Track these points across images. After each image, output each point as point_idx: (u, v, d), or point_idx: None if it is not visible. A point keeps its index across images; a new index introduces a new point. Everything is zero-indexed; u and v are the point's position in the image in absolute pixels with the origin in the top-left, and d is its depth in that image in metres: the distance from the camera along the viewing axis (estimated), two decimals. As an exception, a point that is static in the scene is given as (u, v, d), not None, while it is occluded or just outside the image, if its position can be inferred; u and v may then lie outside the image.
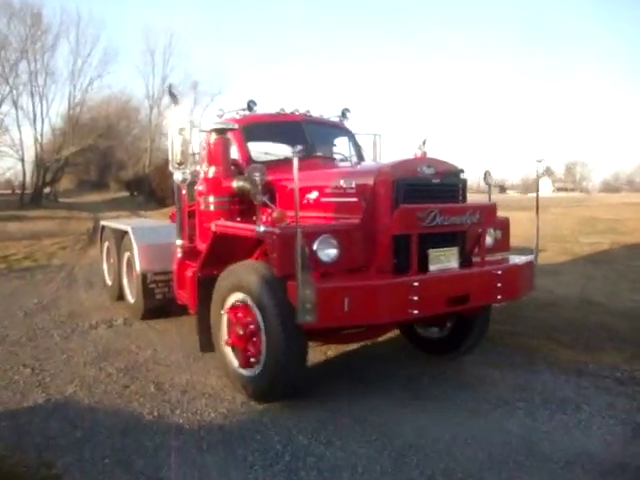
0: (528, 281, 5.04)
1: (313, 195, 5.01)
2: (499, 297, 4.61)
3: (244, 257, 4.79)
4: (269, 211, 4.75)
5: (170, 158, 5.61)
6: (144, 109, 44.91)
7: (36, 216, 26.04)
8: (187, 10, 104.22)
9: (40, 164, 37.13)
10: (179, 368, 5.57)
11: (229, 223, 5.17)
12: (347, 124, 7.10)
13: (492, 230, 5.17)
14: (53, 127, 39.35)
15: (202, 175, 6.04)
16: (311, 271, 3.81)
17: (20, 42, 35.11)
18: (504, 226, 5.48)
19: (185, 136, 5.55)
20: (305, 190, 4.99)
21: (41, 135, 37.41)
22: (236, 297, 4.61)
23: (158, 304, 7.30)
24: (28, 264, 12.35)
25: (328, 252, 4.18)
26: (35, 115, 36.76)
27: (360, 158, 6.95)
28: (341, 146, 6.92)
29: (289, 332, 4.09)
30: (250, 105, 6.30)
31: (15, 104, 36.03)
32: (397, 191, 4.36)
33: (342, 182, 4.72)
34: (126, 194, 49.18)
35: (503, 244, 5.40)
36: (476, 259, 4.80)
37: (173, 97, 5.73)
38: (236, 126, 6.00)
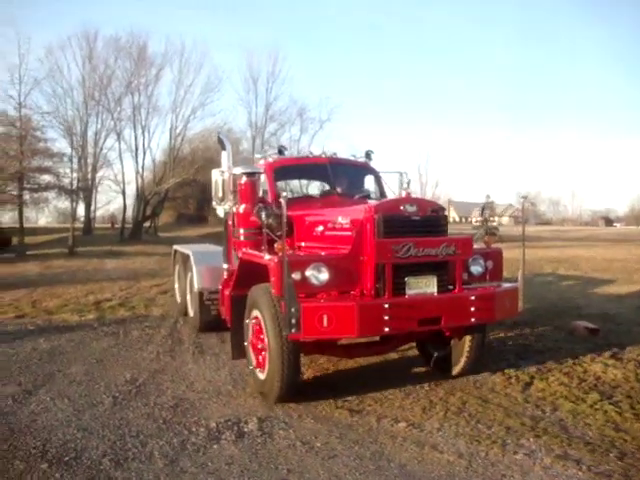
0: (509, 306, 5.56)
1: (320, 228, 5.90)
2: (473, 319, 5.15)
3: (264, 280, 5.17)
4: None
5: (213, 194, 6.89)
6: (246, 139, 43.57)
7: (135, 252, 24.63)
8: (293, 35, 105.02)
9: (141, 197, 36.50)
10: None
11: (251, 251, 6.01)
12: (373, 164, 7.73)
13: (482, 260, 5.77)
14: (154, 159, 38.82)
15: (234, 211, 6.82)
16: (296, 292, 4.54)
17: (125, 76, 35.02)
18: (496, 257, 5.96)
19: (225, 177, 6.73)
20: (315, 224, 6.00)
21: (142, 168, 36.96)
22: (255, 313, 5.43)
23: (212, 319, 8.00)
24: (123, 313, 10.04)
25: (318, 277, 4.87)
26: (137, 148, 36.37)
27: (382, 195, 7.43)
28: (368, 184, 7.61)
29: (284, 343, 4.89)
30: (280, 149, 7.55)
31: (119, 137, 35.86)
32: (379, 226, 4.98)
33: (340, 218, 5.58)
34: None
35: (495, 273, 5.90)
36: (473, 285, 5.55)
37: (221, 142, 7.08)
38: (261, 170, 6.92)
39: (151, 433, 4.63)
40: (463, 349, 5.86)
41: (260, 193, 6.85)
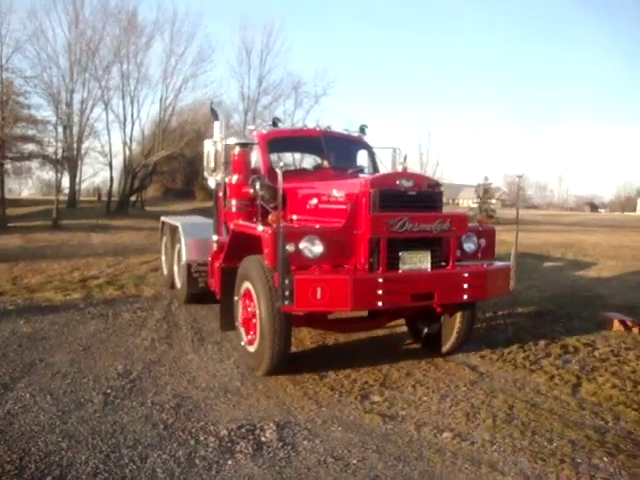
0: (501, 284, 5.54)
1: (313, 201, 5.81)
2: (465, 297, 5.15)
3: (257, 252, 5.09)
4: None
5: (205, 165, 6.66)
6: (238, 113, 42.00)
7: (122, 226, 23.57)
8: (291, 8, 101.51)
9: (129, 170, 35.20)
10: None
11: (244, 223, 5.90)
12: (367, 139, 7.59)
13: (475, 238, 5.72)
14: (143, 130, 37.28)
15: (227, 181, 6.69)
16: (289, 264, 4.51)
17: (114, 43, 33.40)
18: (489, 235, 5.94)
19: (217, 148, 6.53)
20: (309, 197, 5.91)
21: (130, 139, 35.49)
22: (246, 285, 5.36)
23: (200, 291, 7.92)
24: (112, 293, 9.17)
25: (312, 249, 4.79)
26: (125, 118, 34.82)
27: (376, 170, 7.31)
28: (361, 159, 7.46)
29: (275, 315, 4.83)
30: (275, 121, 7.44)
31: (106, 107, 34.34)
32: (374, 200, 4.91)
33: (335, 191, 5.48)
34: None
35: (488, 251, 5.87)
36: (466, 263, 5.51)
37: (213, 113, 6.95)
38: (256, 141, 6.77)
39: (151, 443, 3.87)
40: (454, 326, 5.82)
41: (253, 165, 6.74)
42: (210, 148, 6.55)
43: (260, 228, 5.00)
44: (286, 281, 4.45)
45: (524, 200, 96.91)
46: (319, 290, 4.52)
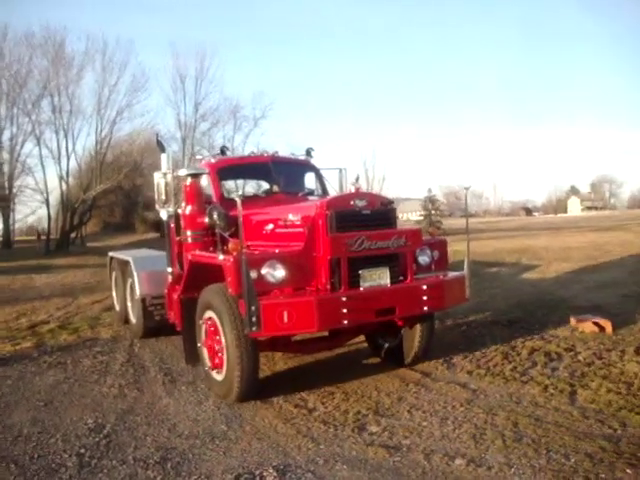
0: (457, 293, 5.76)
1: (269, 227, 5.86)
2: (425, 308, 5.31)
3: (216, 281, 5.21)
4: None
5: (156, 198, 6.66)
6: (175, 141, 40.95)
7: (65, 264, 22.35)
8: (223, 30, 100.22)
9: (67, 206, 33.76)
10: None
11: (201, 253, 5.93)
12: (313, 161, 7.69)
13: (428, 251, 5.84)
14: (79, 163, 35.84)
15: (180, 213, 6.52)
16: (255, 290, 4.55)
17: (43, 75, 32.19)
18: (442, 246, 6.11)
19: (167, 179, 6.51)
20: (263, 223, 5.94)
21: (67, 174, 34.07)
22: (208, 314, 5.36)
23: (156, 325, 7.86)
24: (66, 338, 8.49)
25: (274, 274, 4.84)
26: (60, 152, 33.47)
27: (325, 192, 7.36)
28: (309, 181, 7.53)
29: (242, 342, 4.84)
30: (223, 149, 7.72)
31: (39, 142, 32.91)
32: (331, 221, 4.99)
33: (291, 215, 5.54)
34: (155, 235, 45.55)
35: (441, 263, 6.02)
36: (422, 275, 5.56)
37: (160, 145, 6.96)
38: (206, 170, 6.74)
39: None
40: (414, 338, 5.94)
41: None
42: (160, 180, 6.52)
43: (221, 257, 5.00)
44: (252, 307, 4.50)
45: (461, 209, 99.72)
46: (285, 314, 4.59)
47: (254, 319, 4.52)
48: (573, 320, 7.64)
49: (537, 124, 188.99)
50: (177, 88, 38.60)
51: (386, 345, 6.24)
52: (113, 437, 4.57)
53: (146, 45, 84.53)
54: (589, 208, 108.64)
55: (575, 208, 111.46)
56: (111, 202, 50.78)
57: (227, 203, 6.22)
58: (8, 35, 32.51)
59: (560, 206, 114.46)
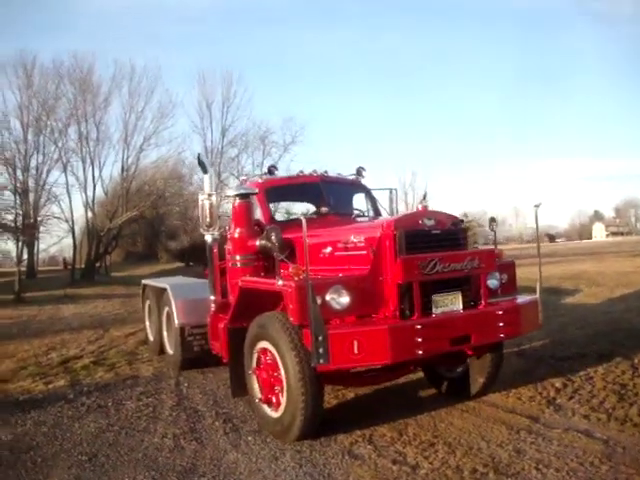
0: (532, 319, 5.31)
1: (328, 250, 5.37)
2: (501, 335, 4.92)
3: (269, 309, 4.97)
4: (288, 266, 4.70)
5: (200, 221, 6.43)
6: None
7: (92, 294, 21.76)
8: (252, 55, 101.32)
9: (93, 234, 33.41)
10: None
11: (254, 278, 5.59)
12: (364, 181, 7.39)
13: (497, 274, 5.35)
14: (106, 192, 35.60)
15: (229, 236, 6.34)
16: (322, 318, 4.14)
17: (70, 103, 32.18)
18: (510, 269, 5.72)
19: (212, 201, 6.28)
20: (321, 245, 5.42)
21: (93, 203, 33.90)
22: (262, 345, 4.95)
23: (195, 355, 7.48)
24: (103, 375, 7.67)
25: (339, 300, 4.45)
26: (86, 180, 33.30)
27: (376, 212, 7.17)
28: (359, 202, 7.25)
29: (306, 376, 4.41)
30: (271, 169, 7.17)
31: (65, 170, 32.76)
32: (400, 242, 4.62)
33: (352, 237, 5.14)
34: (180, 264, 44.96)
35: (509, 286, 5.62)
36: (495, 299, 5.13)
37: (202, 166, 6.67)
38: (257, 190, 6.38)
39: None
40: (483, 367, 5.57)
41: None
42: (205, 202, 6.27)
43: (280, 282, 4.57)
44: (319, 337, 4.12)
45: (485, 236, 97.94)
46: (356, 344, 4.21)
47: (321, 350, 4.13)
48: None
49: (562, 153, 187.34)
50: (204, 114, 38.44)
51: (448, 375, 5.87)
52: (177, 507, 3.70)
53: (171, 72, 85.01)
54: (614, 234, 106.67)
55: (600, 233, 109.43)
56: (134, 231, 50.43)
57: (276, 224, 5.87)
58: (37, 63, 32.77)
59: (584, 231, 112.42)
